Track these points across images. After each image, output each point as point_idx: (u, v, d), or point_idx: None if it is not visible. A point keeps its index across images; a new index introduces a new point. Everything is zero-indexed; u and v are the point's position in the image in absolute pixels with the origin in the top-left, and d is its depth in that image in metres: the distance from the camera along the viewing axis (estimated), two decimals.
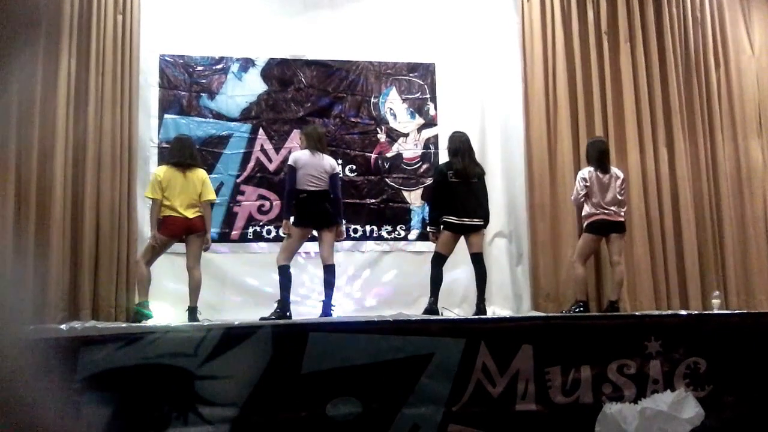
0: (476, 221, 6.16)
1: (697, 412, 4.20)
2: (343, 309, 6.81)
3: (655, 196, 7.48)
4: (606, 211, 6.24)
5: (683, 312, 6.24)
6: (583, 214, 6.36)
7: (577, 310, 6.31)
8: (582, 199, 6.31)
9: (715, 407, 4.38)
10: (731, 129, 7.93)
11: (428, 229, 6.49)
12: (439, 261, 6.19)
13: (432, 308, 6.05)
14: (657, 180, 7.51)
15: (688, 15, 8.00)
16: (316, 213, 5.94)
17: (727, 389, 4.49)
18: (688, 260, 7.41)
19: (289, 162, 6.06)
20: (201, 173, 6.10)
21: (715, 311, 6.39)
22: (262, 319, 5.51)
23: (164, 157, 6.68)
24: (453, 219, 6.12)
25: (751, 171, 7.86)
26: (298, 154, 6.09)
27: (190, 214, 5.92)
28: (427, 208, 6.90)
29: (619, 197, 6.34)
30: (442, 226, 6.18)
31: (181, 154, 6.05)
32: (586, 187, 6.27)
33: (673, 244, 7.43)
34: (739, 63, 8.09)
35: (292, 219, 5.97)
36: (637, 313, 6.20)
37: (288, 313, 5.78)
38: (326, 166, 6.00)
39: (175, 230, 5.91)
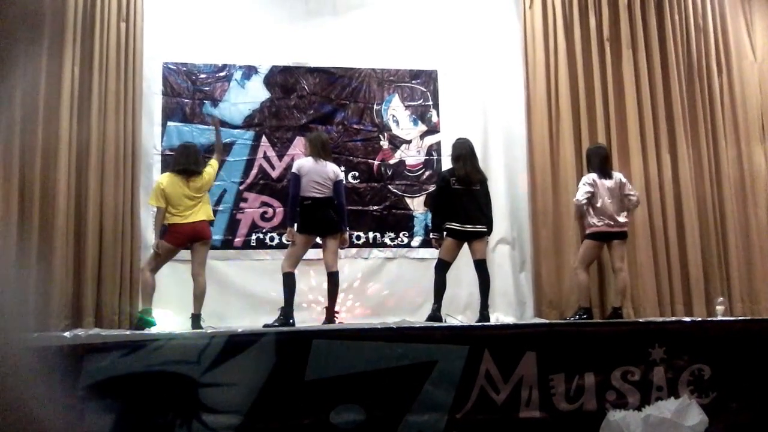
0: (479, 228, 6.16)
1: (701, 420, 4.18)
2: (347, 316, 6.81)
3: (658, 202, 7.47)
4: (609, 222, 6.24)
5: (687, 318, 6.26)
6: (586, 222, 6.35)
7: (582, 317, 6.30)
8: (584, 205, 6.30)
9: (719, 414, 4.36)
10: (734, 135, 7.93)
11: (431, 235, 6.48)
12: (442, 268, 6.19)
13: (435, 315, 6.05)
14: (660, 186, 7.50)
15: (690, 21, 8.01)
16: (320, 220, 5.94)
17: (731, 396, 4.47)
18: (691, 266, 7.39)
19: (293, 169, 6.06)
20: (205, 174, 6.12)
21: (719, 318, 6.37)
22: (265, 326, 5.52)
23: (168, 165, 6.70)
24: (456, 225, 6.11)
25: (755, 176, 7.86)
26: (302, 161, 6.10)
27: (194, 218, 5.94)
28: (429, 215, 6.90)
29: (622, 202, 6.34)
30: (445, 233, 6.19)
31: (185, 161, 6.07)
32: (590, 192, 6.27)
33: (676, 250, 7.42)
34: (741, 69, 8.10)
35: (296, 226, 5.98)
36: (640, 320, 6.19)
37: (291, 320, 5.77)
38: (330, 173, 6.00)
39: (180, 238, 5.93)
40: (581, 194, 6.34)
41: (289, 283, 5.90)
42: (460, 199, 6.13)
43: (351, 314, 7.05)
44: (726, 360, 4.51)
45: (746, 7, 8.29)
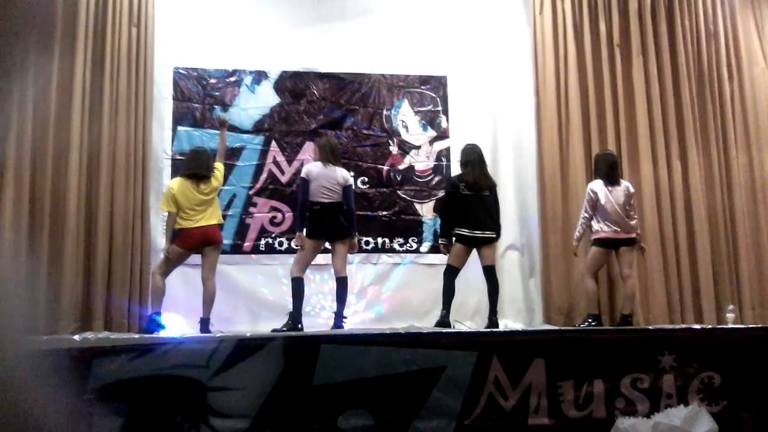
0: (488, 234, 6.15)
1: (710, 428, 4.16)
2: (355, 321, 6.80)
3: (669, 209, 7.43)
4: (616, 228, 6.20)
5: (697, 326, 6.22)
6: (593, 229, 6.31)
7: (591, 324, 6.26)
8: (588, 218, 6.27)
9: (729, 422, 4.35)
10: (745, 141, 7.88)
11: (439, 241, 6.48)
12: (451, 273, 6.19)
13: (444, 321, 6.04)
14: (670, 192, 7.47)
15: (701, 27, 7.98)
16: (329, 225, 5.94)
17: (741, 404, 4.45)
18: (702, 273, 7.35)
19: (302, 174, 6.07)
20: (214, 179, 6.14)
21: (730, 325, 6.33)
22: (273, 330, 5.53)
23: (178, 169, 6.73)
24: (465, 231, 6.11)
25: (766, 183, 7.79)
26: (311, 166, 6.11)
27: (205, 222, 5.95)
28: (438, 221, 6.90)
29: (630, 212, 6.30)
30: (454, 239, 6.18)
31: (196, 166, 6.08)
32: (592, 200, 6.24)
33: (686, 257, 7.38)
34: (752, 75, 8.05)
35: (305, 231, 5.98)
36: (650, 327, 6.17)
37: (300, 325, 5.78)
38: (339, 178, 6.01)
39: (191, 243, 5.94)
40: (585, 209, 6.31)
41: (298, 287, 5.90)
42: (469, 205, 6.13)
43: (359, 319, 7.04)
44: (736, 368, 4.49)
45: (757, 13, 8.25)
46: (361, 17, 7.74)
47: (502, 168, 7.54)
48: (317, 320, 6.79)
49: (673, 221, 7.43)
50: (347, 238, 6.03)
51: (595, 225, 6.27)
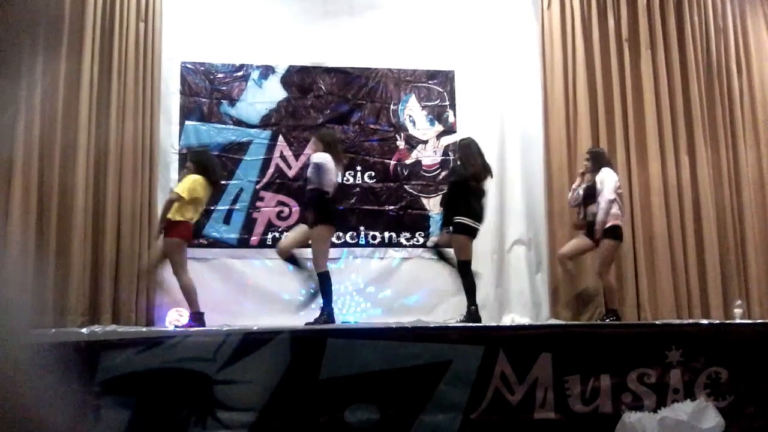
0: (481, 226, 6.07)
1: (717, 422, 4.15)
2: (362, 315, 6.81)
3: (677, 204, 7.42)
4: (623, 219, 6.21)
5: (704, 321, 6.19)
6: (612, 212, 6.17)
7: (613, 319, 6.24)
8: (612, 201, 6.21)
9: (735, 417, 4.33)
10: (754, 136, 7.85)
11: (444, 231, 6.28)
12: (469, 267, 5.94)
13: (474, 315, 5.81)
14: (678, 188, 7.45)
15: (709, 22, 7.94)
16: (338, 216, 5.95)
17: (748, 400, 4.43)
18: (709, 269, 7.33)
19: (318, 161, 5.73)
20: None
21: (737, 320, 6.32)
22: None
23: (185, 163, 6.62)
24: (475, 223, 5.97)
25: None
26: (326, 156, 5.80)
27: (194, 220, 5.99)
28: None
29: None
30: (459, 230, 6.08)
31: (219, 175, 6.17)
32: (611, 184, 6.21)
33: (694, 252, 7.36)
34: (761, 70, 8.01)
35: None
36: (657, 322, 6.15)
37: (333, 320, 5.65)
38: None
39: (188, 235, 5.92)
40: (612, 191, 6.21)
41: (328, 281, 5.73)
42: (475, 197, 6.02)
43: (366, 314, 7.06)
44: (743, 363, 4.47)
45: (766, 8, 8.21)
46: (369, 11, 7.74)
47: (509, 163, 7.54)
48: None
49: (681, 216, 7.41)
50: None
51: (617, 210, 6.20)
